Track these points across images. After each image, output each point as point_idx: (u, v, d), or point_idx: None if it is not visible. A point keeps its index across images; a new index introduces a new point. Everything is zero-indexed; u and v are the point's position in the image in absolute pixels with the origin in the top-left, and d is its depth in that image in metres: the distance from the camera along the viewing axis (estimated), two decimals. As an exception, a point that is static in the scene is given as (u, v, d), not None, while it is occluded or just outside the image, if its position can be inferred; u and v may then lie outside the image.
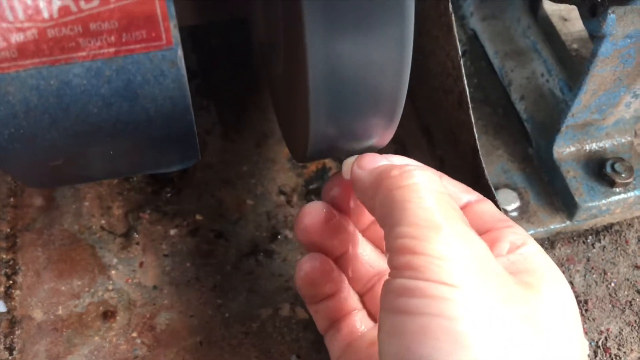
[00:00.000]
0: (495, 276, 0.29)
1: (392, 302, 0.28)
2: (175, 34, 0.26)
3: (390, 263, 0.29)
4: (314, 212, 0.37)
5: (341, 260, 0.39)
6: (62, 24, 0.25)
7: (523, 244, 0.33)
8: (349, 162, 0.36)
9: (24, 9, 0.24)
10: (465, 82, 0.43)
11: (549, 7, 0.58)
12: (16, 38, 0.25)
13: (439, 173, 0.38)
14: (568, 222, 0.49)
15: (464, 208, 0.36)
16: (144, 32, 0.26)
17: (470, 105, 0.43)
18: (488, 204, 0.36)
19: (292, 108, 0.38)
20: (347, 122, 0.34)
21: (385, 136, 0.37)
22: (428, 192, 0.30)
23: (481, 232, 0.34)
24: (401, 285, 0.28)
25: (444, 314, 0.27)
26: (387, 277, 0.29)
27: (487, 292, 0.27)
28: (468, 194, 0.37)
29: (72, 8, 0.25)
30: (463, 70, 0.43)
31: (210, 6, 0.40)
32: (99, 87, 0.27)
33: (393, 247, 0.29)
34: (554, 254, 0.49)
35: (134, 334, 0.44)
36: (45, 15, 0.25)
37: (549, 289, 0.30)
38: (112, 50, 0.26)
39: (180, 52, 0.27)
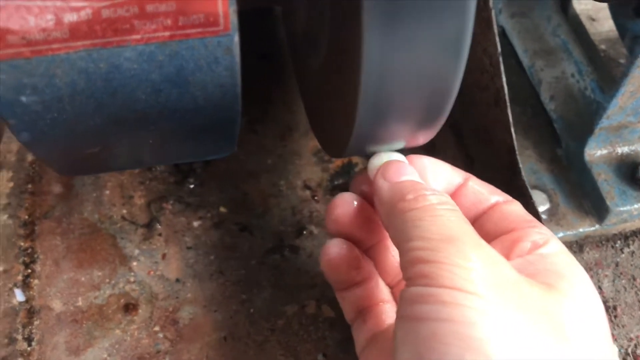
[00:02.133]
0: (511, 282, 0.28)
1: (406, 310, 0.28)
2: (233, 19, 0.25)
3: (404, 275, 0.30)
4: (345, 203, 0.37)
5: (371, 252, 0.38)
6: (118, 4, 0.24)
7: (545, 243, 0.32)
8: (374, 164, 0.36)
9: (80, -13, 0.23)
10: (504, 79, 0.42)
11: (576, 5, 0.57)
12: (69, 18, 0.24)
13: (467, 174, 0.37)
14: (597, 226, 0.48)
15: (491, 208, 0.36)
16: (202, 16, 0.25)
17: (508, 104, 0.42)
18: (515, 205, 0.36)
19: (331, 104, 0.37)
20: (392, 123, 0.33)
21: (426, 138, 0.36)
22: (440, 211, 0.30)
23: (505, 232, 0.34)
24: (415, 292, 0.28)
25: (458, 320, 0.26)
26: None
27: (502, 298, 0.27)
28: (496, 195, 0.36)
29: (130, -12, 0.23)
30: (502, 67, 0.42)
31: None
32: (150, 73, 0.26)
33: (406, 260, 0.29)
34: (582, 258, 0.48)
35: (156, 328, 0.43)
36: (102, -6, 0.23)
37: (572, 290, 0.30)
38: (167, 34, 0.25)
39: (236, 39, 0.26)
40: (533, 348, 0.26)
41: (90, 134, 0.29)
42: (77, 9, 0.23)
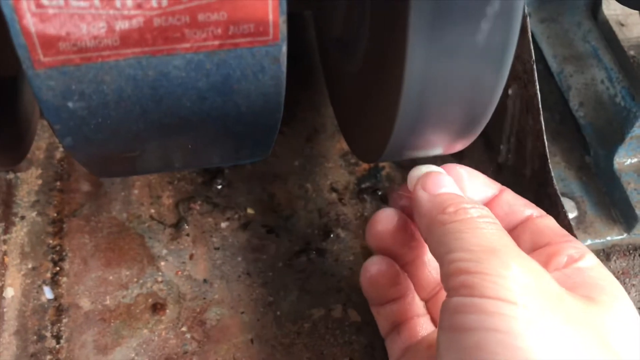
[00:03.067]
0: (554, 294, 0.28)
1: (449, 320, 0.28)
2: (283, 29, 0.25)
3: (446, 286, 0.30)
4: (386, 219, 0.37)
5: (408, 266, 0.39)
6: (170, 13, 0.24)
7: (581, 257, 0.32)
8: (414, 176, 0.36)
9: (133, -4, 0.23)
10: (538, 87, 0.42)
11: (605, 11, 0.56)
12: (121, 26, 0.24)
13: (501, 187, 0.37)
14: (625, 235, 0.48)
15: (525, 222, 0.36)
16: (252, 25, 0.24)
17: (541, 111, 0.42)
18: (549, 219, 0.36)
19: (367, 109, 0.37)
20: (431, 132, 0.33)
21: (462, 146, 0.36)
22: (480, 223, 0.30)
23: (540, 246, 0.34)
24: (458, 302, 0.28)
25: (502, 330, 0.26)
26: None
27: (546, 308, 0.27)
28: (530, 209, 0.36)
29: (182, -3, 0.23)
30: (535, 75, 0.42)
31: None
32: (197, 81, 0.26)
33: (448, 272, 0.29)
34: (609, 267, 0.48)
35: (184, 329, 0.43)
36: (154, 3, 0.23)
37: (613, 303, 0.30)
38: (217, 43, 0.25)
39: (284, 49, 0.26)
40: (579, 358, 0.26)
41: (132, 139, 0.29)
42: (129, 17, 0.23)
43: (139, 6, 0.23)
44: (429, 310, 0.39)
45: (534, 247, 0.34)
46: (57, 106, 0.26)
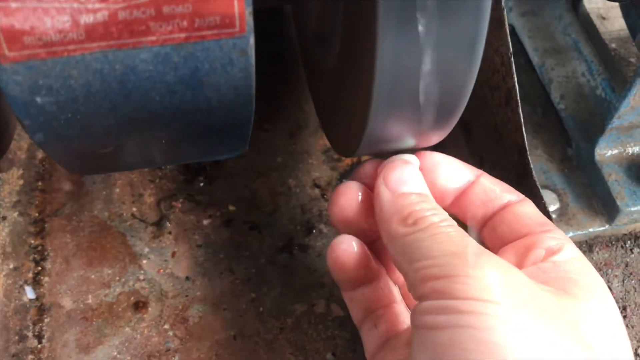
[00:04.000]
0: (525, 289, 0.28)
1: (421, 320, 0.28)
2: (249, 21, 0.25)
3: (415, 295, 0.30)
4: (349, 192, 0.36)
5: (378, 244, 0.37)
6: (134, 5, 0.24)
7: (559, 250, 0.32)
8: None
9: (96, -11, 0.23)
10: (516, 79, 0.42)
11: (587, 4, 0.56)
12: (85, 19, 0.24)
13: (478, 171, 0.37)
14: (607, 226, 0.48)
15: (504, 208, 0.35)
16: (218, 18, 0.24)
17: (519, 104, 0.42)
18: (528, 205, 0.35)
19: (343, 103, 0.37)
20: (405, 123, 0.33)
21: (439, 138, 0.36)
22: (440, 228, 0.30)
23: (518, 237, 0.34)
24: (430, 305, 0.28)
25: (475, 326, 0.26)
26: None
27: (519, 303, 0.27)
28: (509, 194, 0.36)
29: (146, -10, 0.23)
30: (513, 67, 0.42)
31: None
32: (165, 74, 0.26)
33: (415, 281, 0.29)
34: (592, 258, 0.48)
35: (166, 326, 0.43)
36: (118, -4, 0.23)
37: (586, 296, 0.30)
38: (182, 35, 0.25)
39: (252, 41, 0.26)
40: (553, 352, 0.26)
41: (104, 134, 0.29)
42: (93, 11, 0.23)
43: (102, -1, 0.23)
44: (404, 296, 0.38)
45: (513, 238, 0.34)
46: (25, 101, 0.26)
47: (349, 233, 0.36)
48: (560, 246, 0.32)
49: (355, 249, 0.36)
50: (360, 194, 0.36)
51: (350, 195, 0.36)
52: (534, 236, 0.33)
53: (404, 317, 0.36)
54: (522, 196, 0.36)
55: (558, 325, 0.27)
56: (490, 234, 0.35)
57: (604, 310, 0.30)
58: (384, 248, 0.37)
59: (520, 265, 0.32)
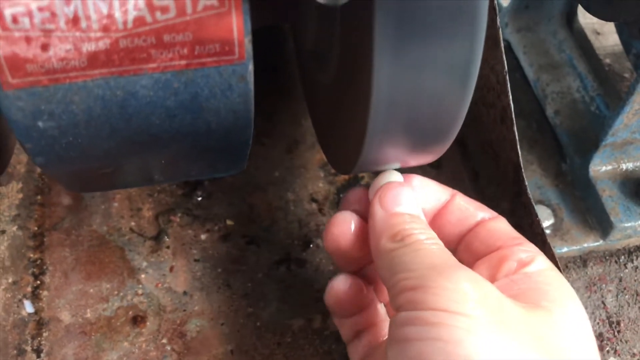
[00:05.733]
0: (495, 302, 0.29)
1: (395, 333, 0.29)
2: (248, 48, 0.25)
3: (393, 306, 0.31)
4: (343, 222, 0.37)
5: (368, 269, 0.38)
6: (135, 34, 0.24)
7: (531, 261, 0.33)
8: (376, 185, 0.36)
9: (98, 18, 0.23)
10: (511, 97, 0.42)
11: (581, 20, 0.57)
12: (87, 47, 0.24)
13: (453, 191, 0.38)
14: (601, 241, 0.49)
15: (477, 225, 0.36)
16: (218, 45, 0.25)
17: (514, 122, 0.42)
18: (501, 222, 0.36)
19: (341, 121, 0.37)
20: (401, 144, 0.33)
21: (435, 157, 0.36)
22: (423, 244, 0.32)
23: (492, 250, 0.35)
24: (403, 316, 0.29)
25: (444, 338, 0.27)
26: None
27: (487, 317, 0.28)
28: (482, 212, 0.37)
29: (147, 19, 0.24)
30: (508, 85, 0.42)
31: (255, 12, 0.39)
32: (165, 99, 0.26)
33: (394, 292, 0.30)
34: (586, 273, 0.48)
35: (164, 341, 0.43)
36: (120, 25, 0.24)
37: (556, 307, 0.30)
38: (183, 62, 0.25)
39: (251, 67, 0.26)
40: None
41: (104, 157, 0.29)
42: (95, 39, 0.24)
43: (104, 28, 0.24)
44: (390, 314, 0.39)
45: (487, 252, 0.35)
46: (28, 126, 0.26)
47: (342, 260, 0.38)
48: (532, 258, 0.33)
49: (352, 287, 0.37)
50: (353, 223, 0.37)
51: (343, 226, 0.37)
52: (506, 249, 0.34)
53: (387, 330, 0.37)
54: (494, 214, 0.37)
55: (524, 338, 0.28)
56: (465, 250, 0.36)
57: (573, 321, 0.31)
58: (373, 272, 0.38)
59: (493, 277, 0.33)
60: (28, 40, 0.23)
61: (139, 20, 0.24)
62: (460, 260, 0.36)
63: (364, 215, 0.37)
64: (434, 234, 0.33)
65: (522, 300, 0.30)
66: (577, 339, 0.30)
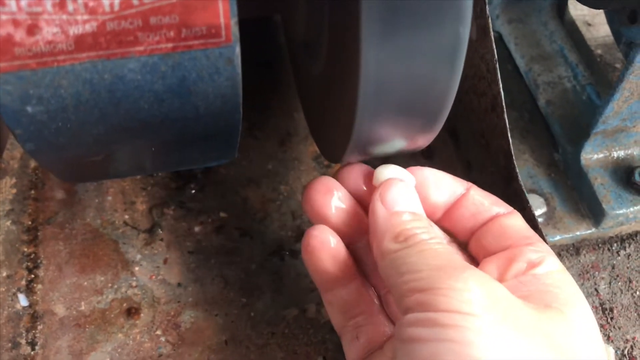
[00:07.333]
0: (506, 303, 0.29)
1: (405, 333, 0.29)
2: (235, 31, 0.26)
3: (400, 308, 0.30)
4: (326, 190, 0.36)
5: (354, 250, 0.37)
6: (122, 17, 0.24)
7: (540, 262, 0.33)
8: (379, 177, 0.36)
9: (85, 1, 0.24)
10: (501, 85, 0.43)
11: (573, 11, 0.57)
12: (74, 30, 0.24)
13: (468, 184, 0.37)
14: (594, 229, 0.49)
15: (491, 220, 0.36)
16: (204, 28, 0.25)
17: (505, 109, 0.43)
18: (516, 218, 0.36)
19: (330, 110, 0.37)
20: (390, 128, 0.33)
21: (425, 141, 0.36)
22: (428, 244, 0.31)
23: (502, 248, 0.34)
24: (413, 317, 0.29)
25: (456, 340, 0.27)
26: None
27: (498, 317, 0.28)
28: (497, 207, 0.36)
29: (133, 1, 0.24)
30: (498, 74, 0.42)
31: (244, 2, 0.39)
32: (153, 83, 0.27)
33: (401, 294, 0.30)
34: (579, 261, 0.49)
35: (158, 332, 0.43)
36: (106, 7, 0.24)
37: (565, 309, 0.30)
38: (170, 45, 0.25)
39: (237, 50, 0.26)
40: None
41: (94, 143, 0.29)
42: (82, 22, 0.24)
43: (91, 11, 0.24)
44: (385, 304, 0.38)
45: (497, 249, 0.34)
46: (16, 110, 0.26)
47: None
48: (541, 259, 0.33)
49: (331, 241, 0.36)
50: (336, 193, 0.36)
51: (327, 197, 0.36)
52: (516, 249, 0.33)
53: (385, 329, 0.37)
54: (510, 209, 0.36)
55: (535, 339, 0.28)
56: (476, 244, 0.36)
57: (582, 323, 0.31)
58: (362, 253, 0.38)
59: (502, 277, 0.32)
60: (15, 23, 0.24)
61: (126, 3, 0.24)
62: (471, 254, 0.36)
63: (357, 195, 0.37)
64: (437, 233, 0.33)
65: (531, 302, 0.30)
66: (588, 340, 0.30)
